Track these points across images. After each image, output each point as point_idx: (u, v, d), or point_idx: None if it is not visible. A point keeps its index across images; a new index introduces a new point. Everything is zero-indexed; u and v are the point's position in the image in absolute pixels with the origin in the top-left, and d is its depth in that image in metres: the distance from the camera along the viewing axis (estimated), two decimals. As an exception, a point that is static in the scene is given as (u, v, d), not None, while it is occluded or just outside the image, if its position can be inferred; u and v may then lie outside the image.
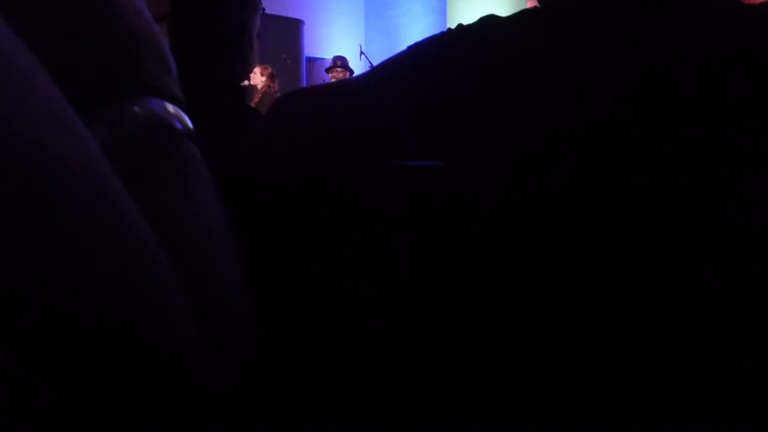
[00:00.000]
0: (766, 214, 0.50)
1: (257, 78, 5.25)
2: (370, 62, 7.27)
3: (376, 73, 0.64)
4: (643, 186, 0.52)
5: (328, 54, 8.35)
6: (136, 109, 0.37)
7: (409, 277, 0.56)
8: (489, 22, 0.60)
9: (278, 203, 0.60)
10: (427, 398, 0.55)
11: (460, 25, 0.61)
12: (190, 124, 0.39)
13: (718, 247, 0.51)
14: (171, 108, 0.38)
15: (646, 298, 0.51)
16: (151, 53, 0.40)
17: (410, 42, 0.63)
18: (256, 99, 5.06)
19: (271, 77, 5.29)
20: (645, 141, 0.52)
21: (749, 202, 0.50)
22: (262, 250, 0.60)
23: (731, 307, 0.50)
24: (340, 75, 5.82)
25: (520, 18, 0.60)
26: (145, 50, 0.40)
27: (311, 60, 8.50)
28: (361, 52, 7.69)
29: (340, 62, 5.99)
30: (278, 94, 4.95)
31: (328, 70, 6.08)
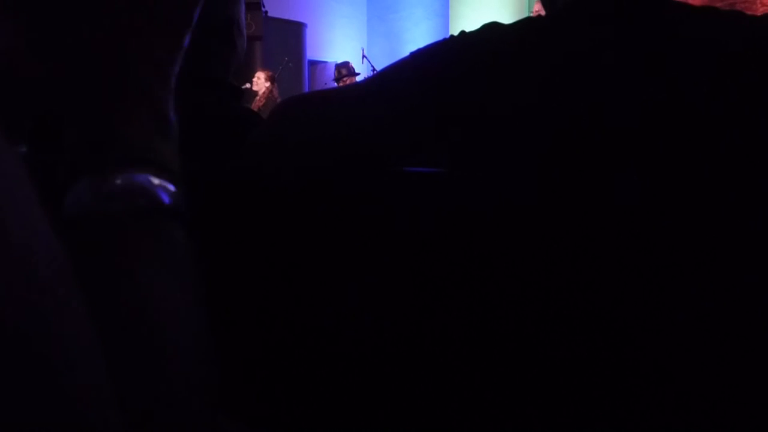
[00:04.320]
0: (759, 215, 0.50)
1: (260, 83, 5.26)
2: (372, 65, 7.29)
3: (378, 78, 0.64)
4: (644, 189, 0.52)
5: (330, 57, 8.36)
6: (118, 182, 0.34)
7: (410, 283, 0.56)
8: (492, 29, 0.60)
9: (278, 207, 0.60)
10: (431, 401, 0.55)
11: (462, 32, 0.61)
12: (180, 200, 0.36)
13: (728, 251, 0.50)
14: (158, 182, 0.35)
15: (651, 301, 0.51)
16: (149, 113, 0.37)
17: (412, 45, 0.63)
18: (259, 103, 5.06)
19: (272, 81, 5.29)
20: (648, 146, 0.52)
21: (743, 200, 0.50)
22: (261, 253, 0.60)
23: (733, 310, 0.50)
24: (349, 81, 5.82)
25: (523, 26, 0.60)
26: (142, 110, 0.37)
27: (313, 63, 8.50)
28: (363, 56, 7.70)
29: (346, 71, 5.97)
30: (278, 99, 4.95)
31: (337, 80, 6.04)
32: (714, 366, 0.51)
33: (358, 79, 5.93)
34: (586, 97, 0.54)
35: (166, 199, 0.35)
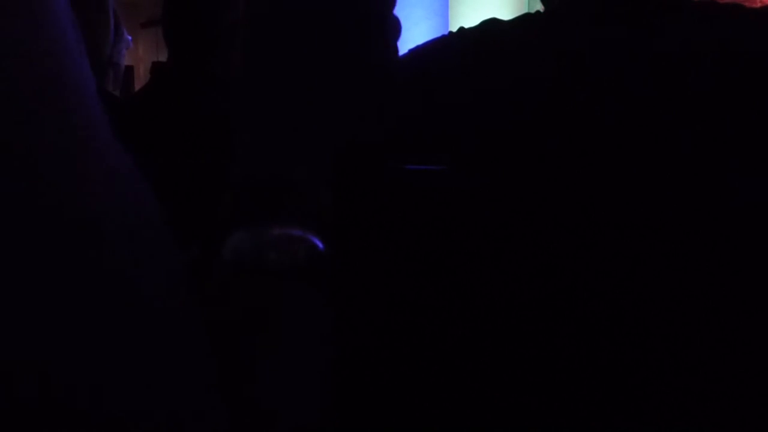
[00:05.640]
0: (760, 213, 0.50)
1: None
2: (372, 65, 7.27)
3: None
4: (643, 186, 0.52)
5: (330, 57, 8.33)
6: (275, 233, 0.35)
7: (411, 281, 0.56)
8: (490, 25, 0.60)
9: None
10: (430, 400, 0.55)
11: (461, 28, 0.61)
12: (327, 257, 0.35)
13: (717, 246, 0.50)
14: (311, 237, 0.35)
15: (648, 299, 0.51)
16: (317, 166, 0.37)
17: (412, 45, 0.63)
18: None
19: None
20: (645, 142, 0.52)
21: (744, 200, 0.50)
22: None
23: (730, 308, 0.50)
24: None
25: (521, 21, 0.60)
26: (315, 170, 0.36)
27: (313, 62, 8.47)
28: (363, 55, 7.69)
29: None
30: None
31: None
32: (714, 366, 0.51)
33: None
34: (586, 94, 0.54)
35: (316, 254, 0.34)
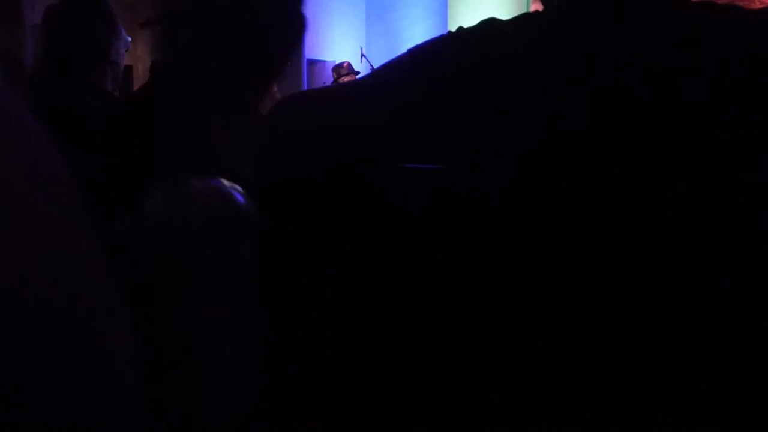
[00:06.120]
0: (760, 214, 0.50)
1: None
2: (370, 65, 7.28)
3: (376, 75, 0.64)
4: (643, 187, 0.52)
5: (329, 56, 8.35)
6: (195, 183, 0.35)
7: (411, 280, 0.56)
8: (489, 25, 0.60)
9: (277, 205, 0.60)
10: (431, 399, 0.55)
11: (460, 28, 0.61)
12: (250, 208, 0.36)
13: (719, 250, 0.50)
14: (231, 188, 0.36)
15: (647, 299, 0.51)
16: (241, 125, 0.38)
17: (411, 44, 0.63)
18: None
19: None
20: (644, 143, 0.52)
21: (751, 205, 0.50)
22: (263, 252, 0.60)
23: (732, 310, 0.50)
24: (349, 80, 5.82)
25: (520, 21, 0.60)
26: (237, 124, 0.38)
27: (312, 62, 8.49)
28: (362, 55, 7.70)
29: (345, 70, 5.97)
30: (278, 95, 4.94)
31: (336, 81, 6.04)
32: (713, 366, 0.51)
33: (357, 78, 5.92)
34: (584, 95, 0.54)
35: (238, 206, 0.35)
